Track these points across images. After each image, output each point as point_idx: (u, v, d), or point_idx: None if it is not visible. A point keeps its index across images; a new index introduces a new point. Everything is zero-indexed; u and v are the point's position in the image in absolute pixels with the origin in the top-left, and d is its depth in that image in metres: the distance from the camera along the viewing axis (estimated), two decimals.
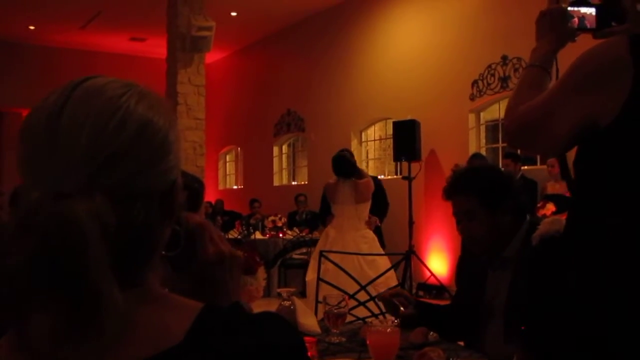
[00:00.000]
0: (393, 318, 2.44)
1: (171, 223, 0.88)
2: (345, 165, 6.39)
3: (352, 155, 6.81)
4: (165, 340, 0.77)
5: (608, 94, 1.34)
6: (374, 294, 3.55)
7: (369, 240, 6.27)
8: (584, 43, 1.71)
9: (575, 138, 1.43)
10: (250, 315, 0.86)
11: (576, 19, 1.65)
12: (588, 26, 1.65)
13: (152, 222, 0.81)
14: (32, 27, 13.59)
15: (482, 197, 2.33)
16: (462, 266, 2.43)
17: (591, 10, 1.65)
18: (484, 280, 2.44)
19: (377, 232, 6.92)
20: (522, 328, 2.02)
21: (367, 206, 6.40)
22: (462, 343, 2.46)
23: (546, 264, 2.04)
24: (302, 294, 8.79)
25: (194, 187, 3.09)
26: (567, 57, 1.68)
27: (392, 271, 4.77)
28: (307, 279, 6.36)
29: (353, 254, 5.58)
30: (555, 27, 1.66)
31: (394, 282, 4.58)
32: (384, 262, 5.70)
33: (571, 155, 1.52)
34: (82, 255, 0.70)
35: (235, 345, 0.78)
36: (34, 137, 0.78)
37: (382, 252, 6.23)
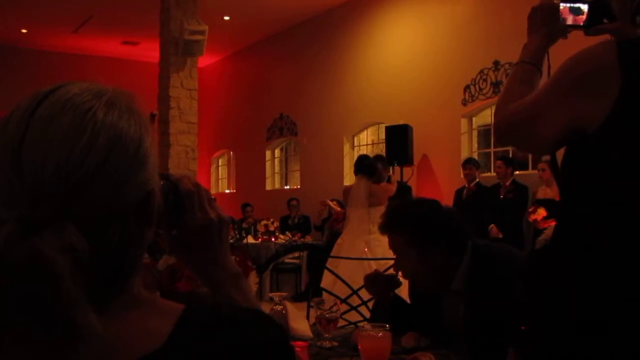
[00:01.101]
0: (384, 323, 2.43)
1: (150, 229, 0.85)
2: (364, 162, 6.42)
3: (382, 160, 6.88)
4: (148, 344, 0.76)
5: (595, 100, 1.34)
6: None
7: (383, 243, 6.21)
8: (576, 40, 1.72)
9: (562, 140, 1.44)
10: (232, 313, 0.85)
11: (568, 16, 1.65)
12: (580, 23, 1.65)
13: (129, 238, 0.80)
14: (24, 31, 13.55)
15: (410, 236, 2.29)
16: (414, 295, 2.42)
17: (583, 7, 1.65)
18: (439, 306, 2.42)
19: None
20: (522, 328, 2.01)
21: (380, 210, 6.29)
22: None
23: (544, 270, 2.04)
24: (294, 299, 8.81)
25: None
26: (559, 53, 1.69)
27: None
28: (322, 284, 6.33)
29: (358, 259, 5.56)
30: (546, 22, 1.66)
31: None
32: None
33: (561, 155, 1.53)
34: (54, 291, 0.68)
35: (217, 346, 0.77)
36: (1, 170, 0.75)
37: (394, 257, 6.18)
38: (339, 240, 6.60)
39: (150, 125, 0.84)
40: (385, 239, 2.17)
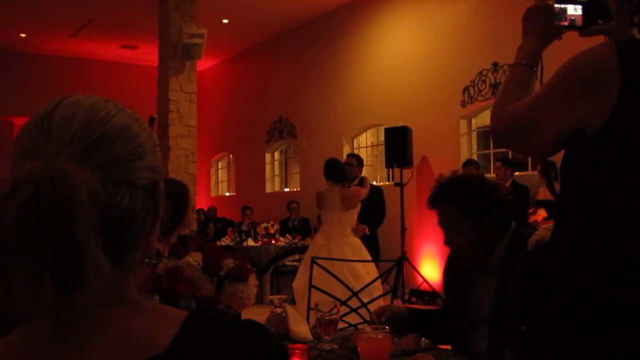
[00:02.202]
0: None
1: (154, 229, 0.90)
2: (331, 168, 6.44)
3: (358, 159, 6.87)
4: (150, 348, 0.78)
5: (595, 102, 1.34)
6: (365, 301, 3.55)
7: (353, 247, 6.24)
8: (571, 41, 1.72)
9: (562, 143, 1.44)
10: (234, 323, 0.89)
11: (563, 17, 1.65)
12: (574, 23, 1.65)
13: (136, 211, 0.84)
14: (23, 35, 13.57)
15: (464, 207, 2.32)
16: (449, 272, 2.44)
17: (577, 8, 1.65)
18: (469, 287, 2.44)
19: (373, 239, 6.87)
20: (522, 328, 2.02)
21: (353, 213, 6.41)
22: (449, 347, 2.46)
23: (540, 269, 2.05)
24: (294, 301, 8.80)
25: (179, 191, 3.09)
26: (554, 55, 1.69)
27: (378, 281, 4.75)
28: (294, 285, 6.34)
29: (344, 260, 5.57)
30: (541, 24, 1.66)
31: (378, 292, 4.54)
32: (367, 271, 5.68)
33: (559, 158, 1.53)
34: (70, 211, 0.73)
35: (220, 353, 0.80)
36: (29, 134, 0.83)
37: (369, 259, 6.21)
38: (313, 241, 6.69)
39: (154, 135, 0.92)
40: (355, 242, 2.21)
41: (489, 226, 2.32)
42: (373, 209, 6.78)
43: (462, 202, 2.33)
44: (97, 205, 0.76)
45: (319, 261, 4.03)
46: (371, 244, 6.83)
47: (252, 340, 0.85)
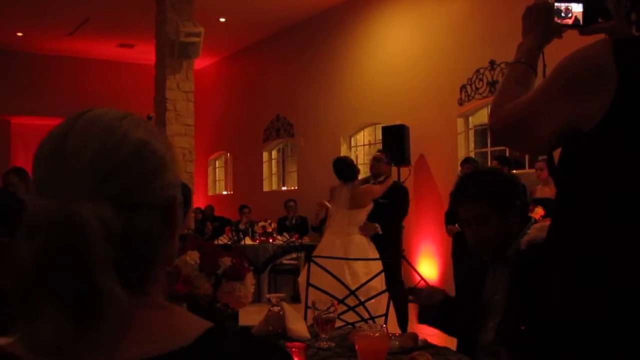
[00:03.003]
0: (382, 323, 2.44)
1: (174, 240, 0.92)
2: (337, 168, 6.39)
3: (387, 157, 6.82)
4: (176, 341, 0.82)
5: (592, 99, 1.34)
6: (363, 299, 3.55)
7: (357, 245, 6.15)
8: (571, 39, 1.72)
9: (559, 140, 1.44)
10: (258, 340, 0.94)
11: (563, 15, 1.65)
12: (574, 22, 1.65)
13: (154, 233, 0.86)
14: (20, 34, 13.54)
15: (492, 200, 2.33)
16: (460, 265, 2.44)
17: (578, 6, 1.65)
18: (484, 278, 2.44)
19: (392, 237, 6.60)
20: (522, 328, 2.02)
21: (360, 212, 6.26)
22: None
23: (533, 270, 2.06)
24: (293, 299, 8.80)
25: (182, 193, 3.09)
26: (554, 53, 1.69)
27: (381, 279, 4.72)
28: (299, 279, 6.31)
29: (341, 258, 5.56)
30: (541, 22, 1.66)
31: (375, 291, 4.51)
32: (368, 271, 5.63)
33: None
34: (86, 252, 0.76)
35: (243, 353, 0.86)
36: (45, 159, 0.85)
37: (372, 258, 6.12)
38: (322, 239, 6.61)
39: (172, 146, 0.93)
40: (359, 241, 2.20)
41: (515, 217, 2.33)
42: (392, 207, 6.55)
43: (491, 196, 2.34)
44: (114, 239, 0.78)
45: (318, 260, 4.02)
46: (388, 242, 6.51)
47: (270, 353, 0.88)
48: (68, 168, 0.82)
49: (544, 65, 1.66)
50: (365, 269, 5.71)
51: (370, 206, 6.32)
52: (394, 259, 6.33)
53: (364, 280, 4.30)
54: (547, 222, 2.20)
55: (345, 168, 6.38)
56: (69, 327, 0.75)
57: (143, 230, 0.84)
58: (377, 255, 6.03)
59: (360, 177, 6.72)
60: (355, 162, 6.70)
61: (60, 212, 0.77)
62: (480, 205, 2.34)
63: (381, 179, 6.65)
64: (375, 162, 6.83)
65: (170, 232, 0.90)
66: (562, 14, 1.65)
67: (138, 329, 0.81)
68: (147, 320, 0.83)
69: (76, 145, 0.83)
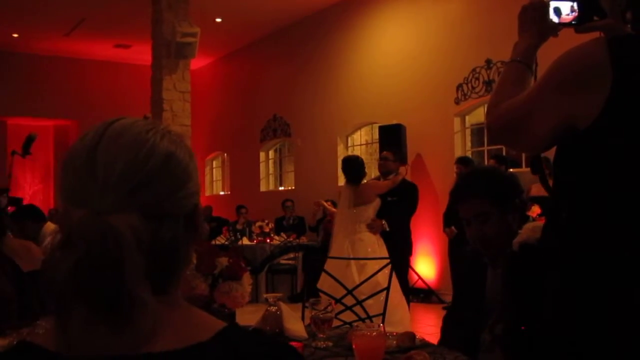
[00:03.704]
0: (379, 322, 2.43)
1: (195, 241, 0.97)
2: (344, 168, 6.35)
3: (395, 155, 6.76)
4: (196, 336, 0.87)
5: (587, 97, 1.34)
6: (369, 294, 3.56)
7: (366, 243, 6.07)
8: (566, 38, 1.72)
9: (555, 138, 1.44)
10: (272, 339, 0.98)
11: (558, 14, 1.65)
12: (570, 21, 1.65)
13: (178, 241, 0.91)
14: (15, 35, 13.52)
15: (493, 198, 2.33)
16: (462, 266, 2.43)
17: (573, 5, 1.65)
18: (484, 279, 2.43)
19: (402, 235, 6.51)
20: (522, 328, 2.02)
21: (366, 209, 6.17)
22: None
23: (525, 271, 2.06)
24: (291, 299, 8.80)
25: None
26: (549, 52, 1.69)
27: (383, 276, 4.71)
28: (318, 285, 6.29)
29: (344, 258, 5.55)
30: (536, 21, 1.66)
31: (378, 287, 4.52)
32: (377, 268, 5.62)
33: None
34: (121, 263, 0.80)
35: (261, 350, 0.89)
36: (75, 169, 0.89)
37: (381, 256, 6.01)
38: (330, 243, 6.57)
39: (194, 155, 0.97)
40: (368, 238, 2.19)
41: (515, 214, 2.35)
42: (401, 204, 6.47)
43: (491, 193, 2.34)
44: (143, 248, 0.83)
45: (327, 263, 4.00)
46: (400, 240, 6.45)
47: (287, 352, 0.93)
48: (99, 179, 0.86)
49: (536, 64, 1.66)
50: (377, 265, 5.69)
51: (377, 202, 6.24)
52: (403, 257, 6.25)
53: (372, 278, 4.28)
54: (540, 223, 2.21)
55: (352, 168, 6.30)
56: (100, 328, 0.80)
57: (169, 239, 0.89)
58: (386, 254, 5.91)
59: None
60: (364, 163, 6.54)
61: (96, 224, 0.82)
62: (481, 203, 2.35)
63: (390, 176, 6.60)
64: (382, 161, 6.80)
65: (193, 238, 0.96)
66: (557, 13, 1.65)
67: (161, 325, 0.85)
68: (169, 317, 0.88)
69: (107, 157, 0.87)
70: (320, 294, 3.71)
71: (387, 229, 6.26)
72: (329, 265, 4.71)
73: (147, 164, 0.88)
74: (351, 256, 5.76)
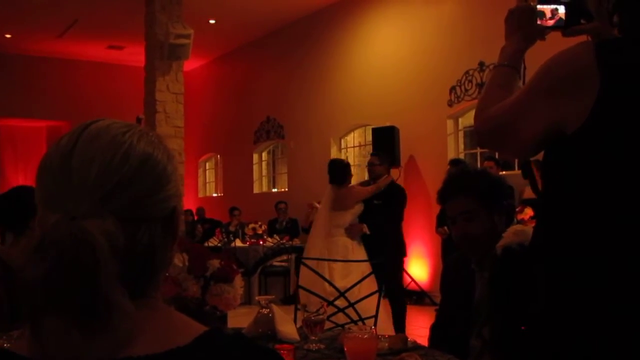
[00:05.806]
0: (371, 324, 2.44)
1: (174, 247, 0.96)
2: (331, 169, 6.38)
3: (380, 159, 6.68)
4: (175, 340, 0.86)
5: (574, 101, 1.35)
6: (352, 300, 3.55)
7: (339, 247, 6.07)
8: (553, 41, 1.73)
9: (543, 142, 1.44)
10: (254, 343, 0.95)
11: (545, 17, 1.66)
12: (557, 24, 1.66)
13: (156, 244, 0.90)
14: (8, 36, 13.48)
15: (479, 196, 2.36)
16: (450, 272, 2.43)
17: (560, 8, 1.66)
18: (473, 283, 2.44)
19: (388, 238, 6.41)
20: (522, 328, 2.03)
21: (344, 215, 6.20)
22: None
23: (508, 275, 2.08)
24: (284, 301, 8.79)
25: None
26: (537, 55, 1.70)
27: (372, 279, 4.70)
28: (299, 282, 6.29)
29: (332, 260, 5.56)
30: (523, 25, 1.66)
31: (367, 291, 4.51)
32: (347, 273, 5.61)
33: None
34: (94, 268, 0.79)
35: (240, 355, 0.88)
36: (50, 174, 0.88)
37: (360, 259, 6.04)
38: (307, 241, 6.61)
39: (173, 156, 0.96)
40: (343, 242, 2.19)
41: (501, 216, 2.36)
42: (386, 208, 6.43)
43: (477, 192, 2.36)
44: (118, 253, 0.82)
45: (308, 262, 4.02)
46: (384, 242, 6.25)
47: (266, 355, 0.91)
48: (74, 183, 0.85)
49: (524, 68, 1.66)
50: (345, 270, 5.67)
51: (357, 208, 6.25)
52: (391, 261, 6.07)
53: (339, 283, 4.29)
54: (522, 227, 2.23)
55: (335, 170, 6.36)
56: (76, 334, 0.79)
57: (145, 243, 0.88)
58: (362, 257, 5.92)
59: (353, 180, 6.69)
60: (350, 167, 6.57)
61: (69, 229, 0.80)
62: (466, 201, 2.37)
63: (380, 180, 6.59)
64: (369, 167, 6.77)
65: (171, 242, 0.94)
66: (545, 16, 1.66)
67: (140, 329, 0.84)
68: (148, 320, 0.87)
69: (82, 160, 0.86)
70: (304, 293, 3.71)
71: (368, 232, 6.23)
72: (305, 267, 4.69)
73: (123, 166, 0.87)
74: (329, 258, 5.75)
